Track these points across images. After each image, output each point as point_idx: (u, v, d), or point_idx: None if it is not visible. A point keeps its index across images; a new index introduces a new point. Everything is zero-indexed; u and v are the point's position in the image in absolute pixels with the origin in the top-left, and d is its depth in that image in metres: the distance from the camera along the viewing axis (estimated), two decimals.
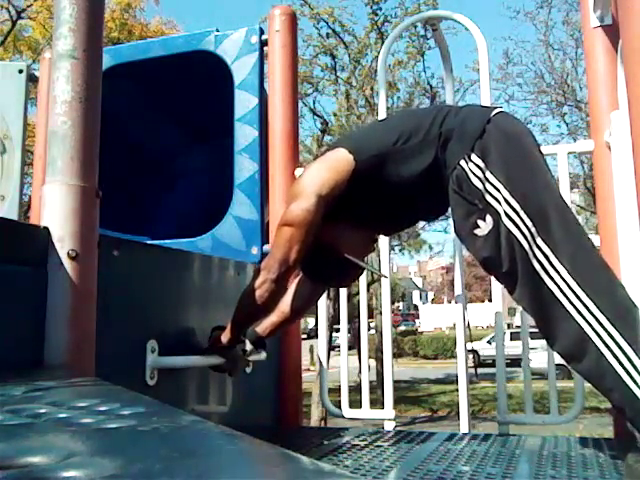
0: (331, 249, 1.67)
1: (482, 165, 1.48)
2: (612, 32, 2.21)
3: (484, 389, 13.67)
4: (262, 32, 2.65)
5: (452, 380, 12.67)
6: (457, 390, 2.54)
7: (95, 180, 1.26)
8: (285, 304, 1.83)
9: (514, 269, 1.43)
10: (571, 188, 2.44)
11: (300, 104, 11.38)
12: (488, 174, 1.47)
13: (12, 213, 2.89)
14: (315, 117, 13.02)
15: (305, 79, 11.79)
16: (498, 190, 1.46)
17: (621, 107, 2.06)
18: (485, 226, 1.47)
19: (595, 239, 2.11)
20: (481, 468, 1.50)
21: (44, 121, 3.06)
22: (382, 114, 2.66)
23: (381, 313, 2.51)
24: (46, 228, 1.18)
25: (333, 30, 12.00)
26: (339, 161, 1.59)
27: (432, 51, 11.73)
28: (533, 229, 1.41)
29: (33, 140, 3.49)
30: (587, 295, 1.36)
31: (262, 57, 2.65)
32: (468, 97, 12.90)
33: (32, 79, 3.17)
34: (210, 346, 1.81)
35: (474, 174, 1.49)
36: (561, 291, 1.38)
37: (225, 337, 1.76)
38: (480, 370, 13.03)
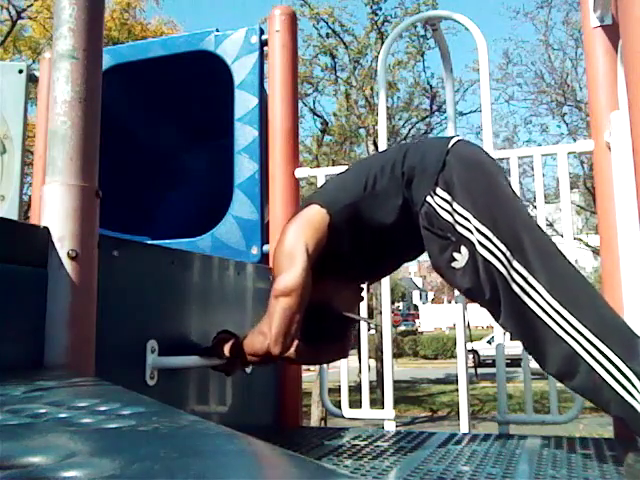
0: (322, 308, 1.65)
1: (448, 198, 1.49)
2: (612, 32, 2.21)
3: (484, 389, 13.67)
4: (262, 32, 2.65)
5: (452, 380, 12.68)
6: (457, 390, 2.54)
7: (95, 180, 1.26)
8: (299, 350, 1.80)
9: (496, 296, 1.44)
10: (571, 188, 2.44)
11: (300, 104, 11.38)
12: (456, 205, 1.47)
13: (12, 213, 2.89)
14: (315, 117, 13.04)
15: (305, 79, 11.80)
16: (468, 220, 1.46)
17: (621, 107, 2.06)
18: (461, 258, 1.47)
19: (595, 239, 2.11)
20: (481, 468, 1.50)
21: (44, 121, 3.06)
22: (382, 114, 2.66)
23: (381, 313, 2.51)
24: (46, 228, 1.18)
25: (333, 30, 12.01)
26: (315, 218, 1.59)
27: (432, 51, 11.76)
28: (508, 253, 1.42)
29: (33, 140, 3.49)
30: (569, 312, 1.37)
31: (262, 57, 2.65)
32: (468, 97, 12.93)
33: (32, 79, 3.17)
34: (212, 349, 1.79)
35: (442, 208, 1.49)
36: (544, 311, 1.39)
37: (230, 352, 1.73)
38: (480, 370, 13.02)
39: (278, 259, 1.57)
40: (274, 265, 1.60)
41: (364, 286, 1.90)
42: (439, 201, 1.49)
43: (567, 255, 1.50)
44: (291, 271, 1.51)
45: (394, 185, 1.56)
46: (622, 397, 1.31)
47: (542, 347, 1.41)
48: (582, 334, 1.35)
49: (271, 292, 1.55)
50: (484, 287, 1.44)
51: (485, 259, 1.43)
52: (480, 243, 1.44)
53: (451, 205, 1.48)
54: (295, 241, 1.55)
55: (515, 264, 1.41)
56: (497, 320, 1.49)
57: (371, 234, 1.61)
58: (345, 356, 2.00)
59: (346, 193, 1.62)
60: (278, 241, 1.61)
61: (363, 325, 2.59)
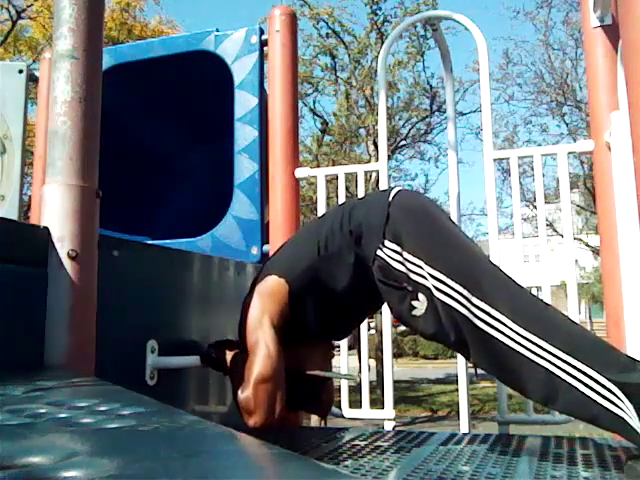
0: (294, 373, 1.65)
1: (398, 249, 1.50)
2: (612, 32, 2.21)
3: (484, 389, 13.66)
4: (262, 32, 2.65)
5: (452, 380, 12.67)
6: (457, 390, 2.54)
7: (95, 180, 1.26)
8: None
9: (461, 336, 1.44)
10: (571, 188, 2.44)
11: (300, 104, 11.38)
12: (406, 255, 1.49)
13: (12, 213, 2.89)
14: (315, 117, 13.04)
15: (305, 79, 11.80)
16: (420, 267, 1.47)
17: (621, 107, 2.06)
18: (420, 305, 1.48)
19: (595, 239, 2.12)
20: (481, 468, 1.50)
21: (44, 121, 3.06)
22: (382, 114, 2.66)
23: (381, 313, 2.51)
24: (46, 228, 1.18)
25: (333, 30, 12.01)
26: (274, 289, 1.60)
27: (432, 51, 11.76)
28: (465, 292, 1.42)
29: (33, 140, 3.49)
30: (537, 336, 1.36)
31: (262, 57, 2.65)
32: (468, 97, 12.94)
33: (32, 79, 3.17)
34: (216, 355, 1.79)
35: (393, 259, 1.51)
36: (512, 340, 1.38)
37: (230, 357, 1.74)
38: (480, 370, 13.00)
39: (247, 335, 1.58)
40: (242, 339, 1.61)
41: (334, 345, 1.93)
42: (389, 253, 1.51)
43: (523, 275, 1.51)
44: (260, 354, 1.53)
45: (345, 244, 1.59)
46: (607, 409, 1.30)
47: (518, 376, 1.41)
48: (554, 355, 1.35)
49: (248, 379, 1.54)
50: (447, 330, 1.45)
51: (443, 302, 1.44)
52: (436, 288, 1.45)
53: (401, 255, 1.50)
54: (259, 315, 1.57)
55: (475, 301, 1.41)
56: (468, 360, 1.50)
57: (332, 295, 1.63)
58: (328, 409, 2.03)
59: (301, 260, 1.64)
60: (242, 316, 1.62)
61: (363, 325, 2.59)
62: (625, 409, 1.29)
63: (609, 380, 1.30)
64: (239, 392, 1.58)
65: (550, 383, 1.36)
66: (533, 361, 1.37)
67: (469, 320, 1.42)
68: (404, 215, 1.54)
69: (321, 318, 1.68)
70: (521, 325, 1.38)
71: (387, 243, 1.52)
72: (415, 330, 1.57)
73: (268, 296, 1.60)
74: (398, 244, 1.51)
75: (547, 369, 1.35)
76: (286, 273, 1.62)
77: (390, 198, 1.58)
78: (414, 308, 1.49)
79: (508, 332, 1.39)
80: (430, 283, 1.45)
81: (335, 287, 1.62)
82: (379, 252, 1.52)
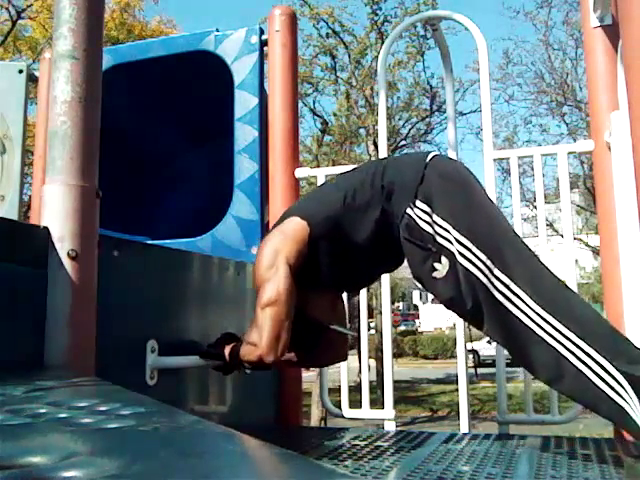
0: (301, 317, 1.65)
1: (428, 210, 1.51)
2: (612, 32, 2.21)
3: (484, 389, 13.67)
4: (262, 32, 2.65)
5: (452, 380, 12.68)
6: (457, 390, 2.54)
7: (95, 180, 1.26)
8: (300, 355, 1.81)
9: (478, 305, 1.45)
10: (571, 188, 2.44)
11: (300, 104, 11.38)
12: (435, 217, 1.50)
13: (12, 213, 2.89)
14: (315, 117, 13.04)
15: (305, 79, 11.79)
16: (447, 231, 1.48)
17: (621, 107, 2.06)
18: (442, 268, 1.49)
19: (595, 239, 2.12)
20: (481, 468, 1.50)
21: (44, 121, 3.06)
22: (382, 114, 2.66)
23: (381, 313, 2.51)
24: (46, 228, 1.18)
25: (333, 30, 12.01)
26: (295, 230, 1.61)
27: (432, 51, 11.75)
28: (488, 262, 1.44)
29: (33, 140, 3.49)
30: (553, 316, 1.38)
31: (262, 57, 2.65)
32: (468, 97, 12.94)
33: (32, 79, 3.17)
34: (213, 348, 1.79)
35: (422, 219, 1.52)
36: (528, 317, 1.40)
37: (229, 355, 1.74)
38: (480, 370, 13.03)
39: (258, 272, 1.59)
40: (255, 278, 1.61)
41: (343, 295, 1.93)
42: (419, 213, 1.53)
43: (543, 258, 1.52)
44: (274, 280, 1.54)
45: (374, 198, 1.60)
46: (610, 397, 1.32)
47: (528, 353, 1.42)
48: (567, 337, 1.36)
49: (256, 304, 1.56)
50: (465, 297, 1.46)
51: (466, 269, 1.45)
52: (460, 253, 1.46)
53: (431, 217, 1.51)
54: (275, 253, 1.58)
55: (496, 272, 1.43)
56: (480, 329, 1.51)
57: (350, 246, 1.64)
58: (344, 359, 2.01)
59: (326, 206, 1.65)
60: (258, 254, 1.62)
61: (363, 326, 2.59)
62: (628, 400, 1.30)
63: (617, 370, 1.32)
64: (245, 336, 1.59)
65: (558, 365, 1.37)
66: (545, 341, 1.38)
67: (488, 290, 1.43)
68: (439, 178, 1.55)
69: (336, 267, 1.67)
70: (539, 303, 1.39)
71: (418, 203, 1.52)
72: (431, 292, 1.58)
73: (288, 236, 1.60)
74: (429, 206, 1.51)
75: (558, 350, 1.36)
76: (309, 217, 1.62)
77: (427, 160, 1.59)
78: (435, 270, 1.50)
79: (525, 308, 1.40)
80: (455, 248, 1.46)
81: (355, 239, 1.62)
82: (409, 210, 1.53)
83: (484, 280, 1.43)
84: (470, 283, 1.45)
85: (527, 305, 1.40)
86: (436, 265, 1.50)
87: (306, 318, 1.66)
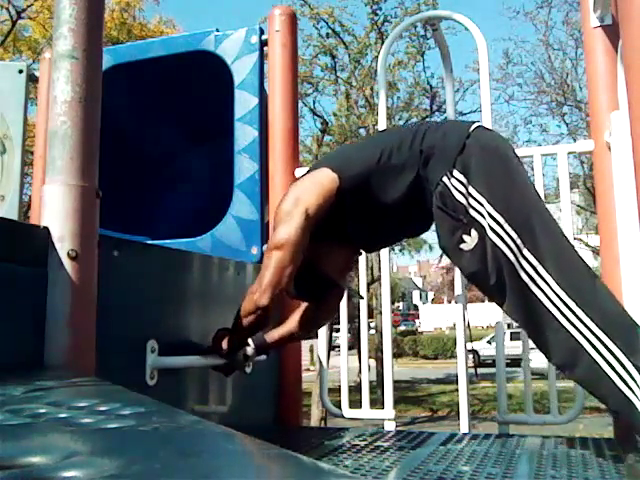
0: (313, 267, 1.66)
1: (464, 180, 1.49)
2: (612, 32, 2.21)
3: (484, 389, 13.67)
4: (262, 32, 2.65)
5: (452, 380, 12.67)
6: (457, 390, 2.54)
7: (95, 180, 1.25)
8: (294, 320, 1.84)
9: (502, 281, 1.44)
10: (571, 188, 2.44)
11: (300, 104, 11.38)
12: (471, 189, 1.48)
13: (12, 213, 2.89)
14: (315, 117, 13.04)
15: (305, 79, 11.79)
16: (481, 204, 1.47)
17: (621, 107, 2.06)
18: (470, 241, 1.48)
19: (595, 239, 2.12)
20: (481, 468, 1.50)
21: (44, 121, 3.06)
22: (382, 114, 2.66)
23: (381, 313, 2.51)
24: (46, 228, 1.18)
25: (333, 30, 12.00)
26: (324, 180, 1.59)
27: (432, 51, 11.75)
28: (519, 241, 1.42)
29: (33, 140, 3.49)
30: (576, 304, 1.37)
31: (262, 57, 2.65)
32: (468, 97, 12.94)
33: (32, 79, 3.17)
34: (212, 347, 1.80)
35: (457, 190, 1.50)
36: (550, 301, 1.39)
37: (227, 344, 1.75)
38: (480, 370, 13.01)
39: (278, 214, 1.59)
40: (274, 219, 1.62)
41: (360, 255, 1.92)
42: (455, 183, 1.50)
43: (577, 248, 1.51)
44: (287, 226, 1.53)
45: (410, 161, 1.57)
46: (622, 391, 1.32)
47: (546, 336, 1.41)
48: (587, 326, 1.35)
49: (267, 246, 1.59)
50: (490, 272, 1.45)
51: (495, 245, 1.44)
52: (491, 228, 1.44)
53: (466, 188, 1.48)
54: (298, 199, 1.57)
55: (525, 252, 1.41)
56: (501, 306, 1.50)
57: (378, 205, 1.61)
58: (333, 314, 2.05)
59: (360, 162, 1.62)
60: (282, 198, 1.62)
61: (363, 326, 2.59)
62: (639, 395, 1.30)
63: (634, 365, 1.32)
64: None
65: (574, 352, 1.37)
66: (565, 327, 1.37)
67: (514, 269, 1.42)
68: (480, 150, 1.53)
69: (360, 224, 1.66)
70: (564, 289, 1.38)
71: (455, 173, 1.50)
72: (456, 264, 1.57)
73: (315, 185, 1.59)
74: (466, 176, 1.49)
75: (575, 338, 1.36)
76: (340, 170, 1.60)
77: (471, 129, 1.56)
78: (463, 242, 1.49)
79: (549, 292, 1.39)
80: (486, 222, 1.45)
81: (384, 199, 1.60)
82: (445, 179, 1.51)
83: (512, 258, 1.42)
84: (497, 259, 1.43)
85: (551, 289, 1.39)
86: (465, 237, 1.48)
87: (317, 271, 1.66)
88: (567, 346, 1.37)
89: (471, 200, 1.47)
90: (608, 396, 1.35)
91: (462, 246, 1.49)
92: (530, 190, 1.54)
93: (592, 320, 1.35)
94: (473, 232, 1.47)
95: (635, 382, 1.31)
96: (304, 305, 1.85)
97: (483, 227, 1.45)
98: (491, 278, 1.45)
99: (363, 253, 2.03)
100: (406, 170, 1.57)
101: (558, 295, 1.38)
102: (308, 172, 1.68)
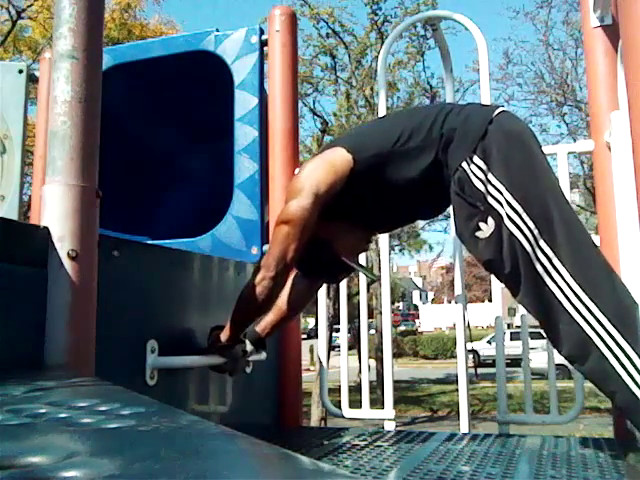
0: (325, 246, 1.66)
1: (484, 167, 1.47)
2: (612, 32, 2.21)
3: (484, 389, 13.66)
4: (262, 32, 2.65)
5: (452, 380, 12.67)
6: (457, 390, 2.54)
7: (95, 180, 1.25)
8: (282, 301, 1.82)
9: (516, 271, 1.43)
10: (571, 188, 2.44)
11: (300, 104, 11.38)
12: (490, 176, 1.46)
13: (12, 213, 2.89)
14: (315, 117, 13.03)
15: (305, 79, 11.79)
16: (500, 192, 1.45)
17: (621, 107, 2.06)
18: (487, 228, 1.46)
19: (595, 239, 2.12)
20: (481, 468, 1.50)
21: (44, 121, 3.06)
22: (382, 114, 2.66)
23: (381, 313, 2.51)
24: (46, 228, 1.18)
25: (333, 30, 12.00)
26: (338, 160, 1.57)
27: (432, 51, 11.74)
28: (536, 231, 1.41)
29: (33, 140, 3.49)
30: (589, 297, 1.36)
31: (262, 57, 2.65)
32: (468, 97, 12.92)
33: (32, 79, 3.17)
34: (210, 346, 1.81)
35: (476, 176, 1.47)
36: (563, 293, 1.38)
37: (224, 336, 1.76)
38: (480, 370, 13.01)
39: (289, 189, 1.60)
40: (286, 195, 1.62)
41: (372, 238, 1.91)
42: (474, 169, 1.48)
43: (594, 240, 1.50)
44: (295, 202, 1.53)
45: (429, 144, 1.54)
46: (629, 388, 1.31)
47: (557, 328, 1.41)
48: (599, 321, 1.35)
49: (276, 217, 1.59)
50: (505, 261, 1.44)
51: (511, 233, 1.42)
52: (509, 217, 1.43)
53: (486, 175, 1.46)
54: (310, 176, 1.56)
55: (541, 243, 1.40)
56: (514, 296, 1.49)
57: (391, 187, 1.60)
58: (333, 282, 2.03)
59: (376, 143, 1.60)
60: (294, 177, 1.63)
61: (363, 326, 2.59)
62: None
63: None
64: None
65: (585, 346, 1.36)
66: (575, 320, 1.36)
67: (530, 259, 1.41)
68: (502, 137, 1.50)
69: (375, 205, 1.65)
70: (578, 283, 1.37)
71: (475, 159, 1.48)
72: (471, 251, 1.55)
73: (328, 164, 1.58)
74: (486, 163, 1.47)
75: (587, 333, 1.35)
76: (356, 150, 1.58)
77: (494, 115, 1.53)
78: (479, 230, 1.47)
79: (562, 285, 1.38)
80: (504, 210, 1.43)
81: (400, 182, 1.58)
82: (464, 164, 1.49)
83: (527, 248, 1.41)
84: (512, 248, 1.42)
85: (565, 281, 1.38)
86: (481, 225, 1.47)
87: (327, 249, 1.66)
88: (577, 339, 1.37)
89: (490, 187, 1.45)
90: (615, 392, 1.35)
91: (478, 234, 1.47)
92: (551, 180, 1.51)
93: (604, 315, 1.35)
94: (490, 220, 1.45)
95: None
96: (288, 286, 1.81)
97: (500, 215, 1.44)
98: (506, 267, 1.44)
99: (378, 235, 2.02)
100: (424, 153, 1.54)
101: (571, 288, 1.37)
102: (322, 151, 1.67)
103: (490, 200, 1.46)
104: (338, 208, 1.59)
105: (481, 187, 1.47)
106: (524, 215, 1.42)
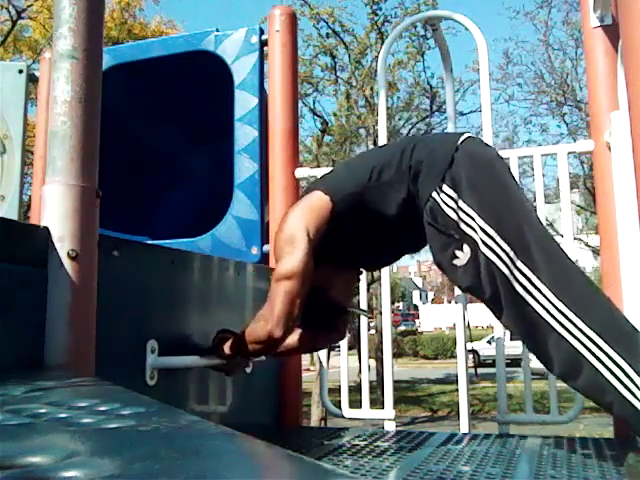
0: (317, 293, 1.63)
1: (454, 195, 1.48)
2: (612, 32, 2.21)
3: (484, 389, 13.67)
4: (262, 32, 2.65)
5: (452, 380, 12.67)
6: (457, 390, 2.54)
7: (95, 180, 1.25)
8: (295, 338, 1.81)
9: (497, 295, 1.43)
10: (571, 188, 2.44)
11: (300, 104, 11.38)
12: (461, 203, 1.47)
13: (12, 213, 2.89)
14: (315, 117, 13.04)
15: (305, 79, 11.79)
16: (472, 219, 1.45)
17: (621, 107, 2.06)
18: (463, 256, 1.47)
19: (595, 239, 2.12)
20: (481, 468, 1.50)
21: (44, 121, 3.06)
22: (382, 114, 2.66)
23: (381, 313, 2.51)
24: (46, 228, 1.18)
25: (333, 30, 12.01)
26: (317, 204, 1.58)
27: (432, 51, 11.75)
28: (511, 253, 1.41)
29: (33, 140, 3.49)
30: (573, 312, 1.36)
31: (262, 57, 2.65)
32: (468, 97, 12.94)
33: (32, 79, 3.17)
34: (213, 348, 1.80)
35: (447, 205, 1.48)
36: (547, 312, 1.38)
37: (228, 349, 1.73)
38: (480, 370, 13.02)
39: (279, 244, 1.57)
40: (275, 250, 1.60)
41: (361, 274, 1.90)
42: (445, 198, 1.49)
43: (569, 254, 1.50)
44: (293, 255, 1.51)
45: (400, 178, 1.56)
46: (625, 398, 1.31)
47: (545, 347, 1.40)
48: (586, 335, 1.34)
49: (273, 276, 1.55)
50: (485, 286, 1.44)
51: (487, 258, 1.43)
52: (483, 242, 1.43)
53: (456, 203, 1.47)
54: (296, 226, 1.55)
55: (519, 264, 1.40)
56: (499, 319, 1.49)
57: (373, 224, 1.61)
58: (342, 338, 2.00)
59: (351, 182, 1.61)
60: (279, 225, 1.61)
61: (363, 326, 2.59)
62: None
63: (634, 370, 1.31)
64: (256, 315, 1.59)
65: (575, 362, 1.35)
66: (563, 336, 1.36)
67: (509, 281, 1.41)
68: (469, 163, 1.51)
69: (356, 244, 1.66)
70: (560, 299, 1.37)
71: (445, 187, 1.49)
72: (451, 279, 1.56)
73: (310, 209, 1.58)
74: (455, 191, 1.48)
75: (576, 348, 1.35)
76: (333, 191, 1.59)
77: (459, 142, 1.54)
78: (456, 257, 1.48)
79: (545, 303, 1.38)
80: (478, 236, 1.44)
81: (379, 217, 1.59)
82: (434, 194, 1.50)
83: (505, 271, 1.41)
84: (490, 273, 1.42)
85: (547, 300, 1.37)
86: (457, 253, 1.47)
87: (321, 296, 1.64)
88: (567, 356, 1.36)
89: (462, 214, 1.46)
90: (612, 403, 1.34)
91: (455, 262, 1.48)
92: (521, 200, 1.53)
93: (591, 328, 1.34)
94: (465, 247, 1.46)
95: (637, 387, 1.30)
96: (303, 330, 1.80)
97: (475, 241, 1.45)
98: (486, 292, 1.44)
99: (364, 272, 2.01)
100: (397, 187, 1.56)
101: (555, 305, 1.37)
102: (302, 196, 1.68)
103: (463, 227, 1.46)
104: (323, 252, 1.58)
105: (453, 215, 1.48)
106: (498, 239, 1.42)
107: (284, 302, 1.51)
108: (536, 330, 1.40)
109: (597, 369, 1.33)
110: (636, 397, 1.30)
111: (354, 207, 1.58)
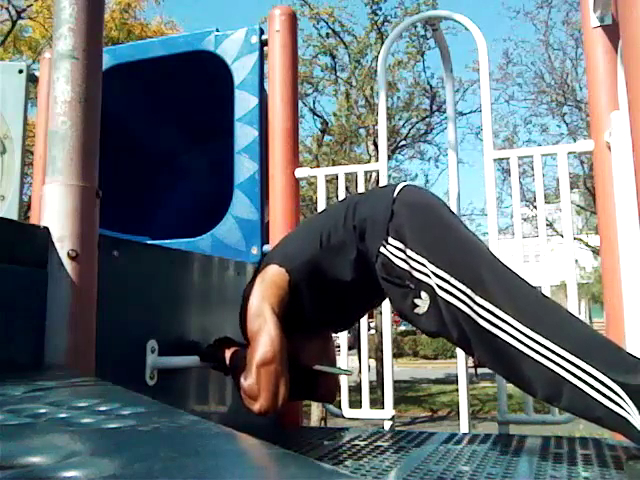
0: (293, 362, 1.62)
1: (401, 246, 1.49)
2: (612, 32, 2.21)
3: (484, 389, 13.67)
4: (262, 32, 2.65)
5: (452, 380, 12.67)
6: (457, 390, 2.54)
7: (95, 180, 1.26)
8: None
9: (464, 335, 1.43)
10: (571, 188, 2.44)
11: (300, 104, 11.38)
12: (409, 252, 1.48)
13: (12, 213, 2.89)
14: (315, 117, 13.05)
15: (305, 79, 11.80)
16: (423, 265, 1.46)
17: (621, 107, 2.06)
18: (423, 303, 1.47)
19: (595, 239, 2.12)
20: (481, 468, 1.50)
21: (44, 121, 3.06)
22: (382, 114, 2.66)
23: (381, 313, 2.51)
24: (46, 228, 1.18)
25: (333, 30, 12.02)
26: (275, 276, 1.60)
27: (432, 51, 11.76)
28: (469, 291, 1.41)
29: (33, 140, 3.49)
30: (542, 335, 1.35)
31: (262, 57, 2.65)
32: (468, 97, 12.95)
33: (32, 79, 3.17)
34: (212, 355, 1.79)
35: (396, 256, 1.50)
36: (516, 339, 1.37)
37: (230, 362, 1.74)
38: (480, 370, 13.02)
39: (249, 323, 1.58)
40: (245, 328, 1.60)
41: (331, 335, 1.92)
42: (393, 250, 1.50)
43: (524, 275, 1.49)
44: (265, 334, 1.51)
45: (348, 239, 1.58)
46: (612, 410, 1.30)
47: (522, 375, 1.40)
48: (559, 354, 1.34)
49: (251, 363, 1.52)
50: (450, 329, 1.44)
51: (446, 301, 1.43)
52: (439, 286, 1.44)
53: (405, 252, 1.49)
54: (260, 303, 1.56)
55: (478, 300, 1.40)
56: (473, 357, 1.50)
57: (333, 288, 1.63)
58: (332, 400, 2.00)
59: (302, 251, 1.63)
60: (244, 305, 1.62)
61: (363, 325, 2.59)
62: (629, 410, 1.28)
63: (613, 381, 1.30)
64: (242, 380, 1.56)
65: (554, 383, 1.35)
66: (537, 361, 1.36)
67: (472, 319, 1.41)
68: (408, 212, 1.53)
69: (320, 309, 1.67)
70: (526, 324, 1.37)
71: (390, 240, 1.50)
72: (416, 327, 1.57)
73: (269, 285, 1.59)
74: (401, 241, 1.49)
75: (551, 369, 1.34)
76: (287, 263, 1.61)
77: (395, 194, 1.57)
78: (416, 306, 1.48)
79: (512, 331, 1.38)
80: (433, 282, 1.45)
81: (336, 280, 1.61)
82: (382, 249, 1.52)
83: (466, 310, 1.41)
84: (453, 315, 1.42)
85: (514, 328, 1.37)
86: (417, 301, 1.48)
87: (297, 364, 1.64)
88: (546, 379, 1.35)
89: (412, 263, 1.47)
90: (600, 417, 1.34)
91: (417, 310, 1.49)
92: (466, 235, 1.53)
93: (562, 347, 1.34)
94: (423, 294, 1.47)
95: (621, 397, 1.30)
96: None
97: (431, 287, 1.45)
98: (453, 334, 1.44)
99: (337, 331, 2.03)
100: (347, 248, 1.58)
101: (522, 332, 1.37)
102: (259, 270, 1.68)
103: (417, 275, 1.47)
104: (293, 321, 1.60)
105: (404, 265, 1.49)
106: (452, 280, 1.42)
107: (270, 386, 1.51)
108: (511, 361, 1.39)
109: (578, 387, 1.32)
110: (620, 406, 1.29)
111: (311, 274, 1.60)
